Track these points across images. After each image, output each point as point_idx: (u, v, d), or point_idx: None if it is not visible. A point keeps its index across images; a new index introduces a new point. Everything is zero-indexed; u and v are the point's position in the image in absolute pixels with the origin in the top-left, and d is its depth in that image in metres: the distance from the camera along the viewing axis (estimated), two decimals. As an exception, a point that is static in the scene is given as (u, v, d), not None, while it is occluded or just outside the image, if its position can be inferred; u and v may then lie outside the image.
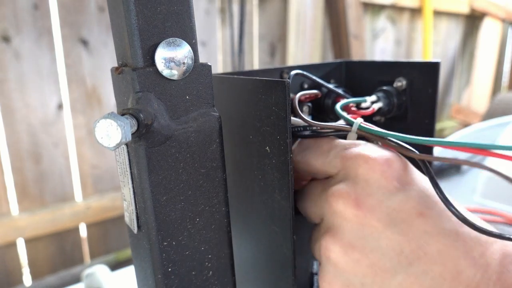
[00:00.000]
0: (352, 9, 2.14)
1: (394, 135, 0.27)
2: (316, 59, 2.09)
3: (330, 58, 2.25)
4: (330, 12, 2.16)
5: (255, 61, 1.94)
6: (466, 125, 2.84)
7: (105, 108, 1.48)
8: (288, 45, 2.01)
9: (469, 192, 0.78)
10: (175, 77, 0.24)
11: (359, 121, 0.29)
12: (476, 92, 3.14)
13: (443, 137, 1.23)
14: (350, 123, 0.30)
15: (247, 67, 1.87)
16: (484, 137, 1.09)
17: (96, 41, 1.42)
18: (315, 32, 2.06)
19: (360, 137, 0.30)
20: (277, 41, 2.00)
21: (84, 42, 1.40)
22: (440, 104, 3.20)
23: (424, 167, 0.27)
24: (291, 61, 2.00)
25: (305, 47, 2.04)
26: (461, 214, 0.25)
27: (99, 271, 0.76)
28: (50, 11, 1.33)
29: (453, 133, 1.15)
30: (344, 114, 0.31)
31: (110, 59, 1.46)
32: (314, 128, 0.30)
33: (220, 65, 1.81)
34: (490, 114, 2.24)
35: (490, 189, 0.75)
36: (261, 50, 1.96)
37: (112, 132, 0.21)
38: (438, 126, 3.13)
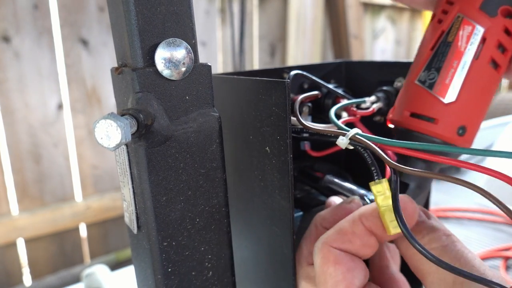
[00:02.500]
0: (352, 9, 2.14)
1: (386, 141, 0.26)
2: (316, 59, 2.09)
3: (330, 58, 2.25)
4: (330, 12, 2.16)
5: (255, 61, 1.94)
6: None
7: (105, 108, 1.48)
8: (288, 45, 2.01)
9: (469, 192, 0.78)
10: (175, 78, 0.24)
11: (355, 130, 0.28)
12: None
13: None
14: (344, 131, 0.28)
15: (247, 67, 1.87)
16: (483, 137, 1.09)
17: (96, 41, 1.42)
18: (315, 32, 2.06)
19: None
20: (277, 41, 2.00)
21: (84, 42, 1.40)
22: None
23: (393, 175, 0.26)
24: (291, 61, 2.00)
25: (305, 47, 2.04)
26: (422, 247, 0.24)
27: (99, 271, 0.76)
28: (50, 11, 1.33)
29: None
30: (338, 121, 0.30)
31: (110, 59, 1.46)
32: (312, 132, 0.30)
33: (220, 65, 1.81)
34: (490, 114, 2.24)
35: (490, 189, 0.75)
36: (261, 50, 1.96)
37: (112, 133, 0.21)
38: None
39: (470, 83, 0.28)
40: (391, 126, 0.32)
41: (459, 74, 0.28)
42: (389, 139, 0.26)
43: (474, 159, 0.97)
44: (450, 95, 0.28)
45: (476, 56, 0.27)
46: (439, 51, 0.29)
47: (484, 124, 1.20)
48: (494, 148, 0.91)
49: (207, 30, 1.72)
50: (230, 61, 1.81)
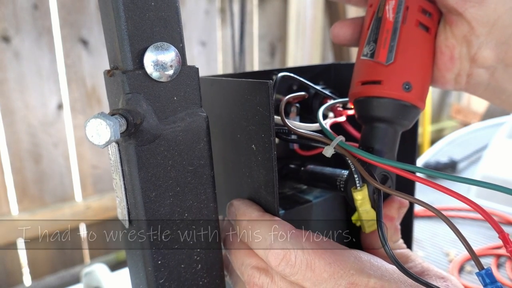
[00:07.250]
0: (352, 9, 2.15)
1: (369, 157, 0.29)
2: (316, 59, 2.10)
3: (330, 58, 2.25)
4: (330, 12, 2.17)
5: (255, 61, 1.95)
6: (465, 125, 2.85)
7: (105, 108, 1.49)
8: (288, 45, 2.02)
9: (464, 192, 0.79)
10: (163, 79, 0.26)
11: (339, 138, 0.30)
12: (475, 92, 3.13)
13: (442, 137, 1.22)
14: (330, 138, 0.31)
15: (247, 67, 1.88)
16: (480, 137, 1.10)
17: (96, 41, 1.43)
18: (315, 32, 2.07)
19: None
20: (277, 41, 2.01)
21: (84, 42, 1.41)
22: (440, 104, 3.21)
23: (377, 196, 0.30)
24: (291, 61, 2.01)
25: (305, 47, 2.05)
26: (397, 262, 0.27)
27: (98, 269, 0.77)
28: (50, 11, 1.34)
29: (452, 133, 1.16)
30: (326, 126, 0.32)
31: (109, 60, 1.47)
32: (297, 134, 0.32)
33: (220, 65, 1.82)
34: (490, 114, 2.25)
35: (484, 189, 0.76)
36: (261, 50, 1.97)
37: (102, 131, 0.22)
38: (438, 126, 3.14)
39: (404, 44, 0.32)
40: (352, 106, 0.36)
41: (393, 39, 0.32)
42: (372, 155, 0.29)
43: (473, 158, 0.99)
44: (389, 58, 0.32)
45: (404, 22, 0.32)
46: (373, 27, 0.33)
47: (481, 125, 1.21)
48: (489, 149, 0.92)
49: (207, 30, 1.73)
50: (230, 61, 1.82)
